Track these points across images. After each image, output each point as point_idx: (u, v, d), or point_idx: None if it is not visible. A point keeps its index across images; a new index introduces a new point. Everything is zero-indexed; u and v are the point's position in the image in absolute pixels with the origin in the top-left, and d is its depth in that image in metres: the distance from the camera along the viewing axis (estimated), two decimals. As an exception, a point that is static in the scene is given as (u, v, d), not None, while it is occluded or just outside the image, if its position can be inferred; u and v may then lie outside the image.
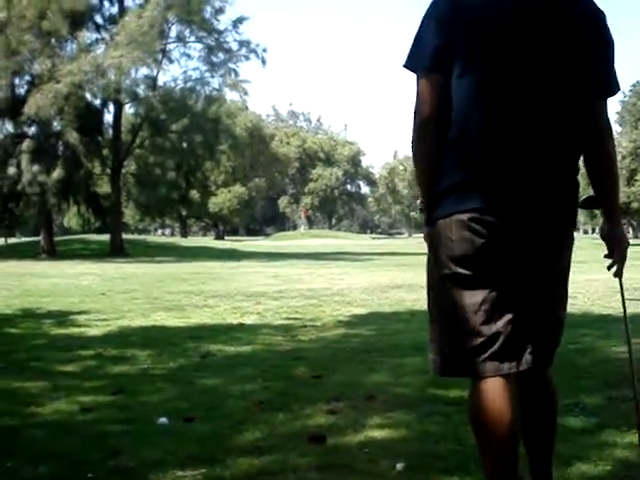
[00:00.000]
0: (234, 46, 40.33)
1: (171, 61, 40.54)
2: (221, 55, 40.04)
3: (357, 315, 9.12)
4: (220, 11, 39.34)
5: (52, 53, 34.66)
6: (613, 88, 2.31)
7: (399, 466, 3.05)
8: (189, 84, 41.06)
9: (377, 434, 3.58)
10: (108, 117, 40.01)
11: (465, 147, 2.19)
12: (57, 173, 34.32)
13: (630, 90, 61.17)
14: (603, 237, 2.41)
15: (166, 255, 34.36)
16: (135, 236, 55.31)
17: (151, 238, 57.64)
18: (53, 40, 34.97)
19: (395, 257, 29.63)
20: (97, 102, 38.94)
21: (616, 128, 54.17)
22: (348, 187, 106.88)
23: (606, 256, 2.42)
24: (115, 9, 38.77)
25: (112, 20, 37.89)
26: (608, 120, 2.31)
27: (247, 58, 40.55)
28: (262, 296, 11.90)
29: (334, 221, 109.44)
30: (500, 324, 2.19)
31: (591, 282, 13.04)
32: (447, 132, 2.22)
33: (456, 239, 2.18)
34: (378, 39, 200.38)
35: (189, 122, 39.41)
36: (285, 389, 4.65)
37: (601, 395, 4.24)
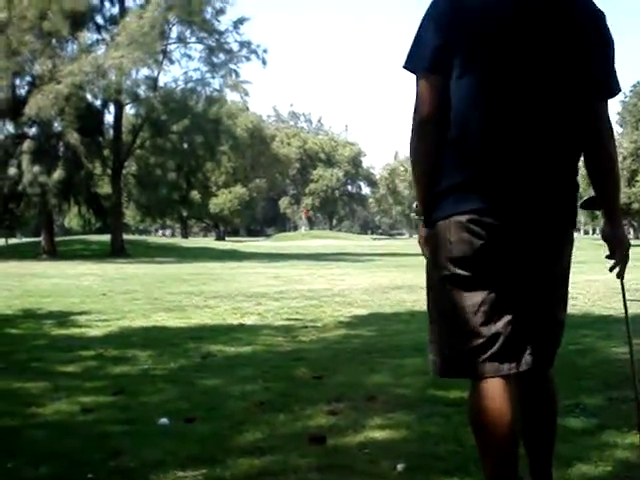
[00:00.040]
0: (235, 47, 40.42)
1: (172, 62, 40.63)
2: (222, 56, 40.09)
3: (358, 316, 9.12)
4: (221, 12, 39.40)
5: (53, 54, 34.69)
6: (613, 89, 2.31)
7: (399, 467, 3.05)
8: (190, 85, 41.12)
9: (377, 435, 3.58)
10: (109, 118, 40.14)
11: (464, 148, 2.19)
12: (58, 174, 34.34)
13: (631, 91, 61.18)
14: (604, 238, 2.41)
15: (167, 256, 34.36)
16: (136, 237, 55.29)
17: (152, 239, 57.66)
18: (54, 41, 34.99)
19: (396, 258, 29.62)
20: (98, 103, 39.02)
21: (617, 129, 54.11)
22: (349, 188, 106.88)
23: (608, 257, 2.42)
24: (116, 10, 38.85)
25: (113, 21, 37.92)
26: (609, 121, 2.31)
27: (248, 59, 40.63)
28: (263, 297, 11.90)
29: (335, 222, 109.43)
30: (500, 325, 2.19)
31: (592, 283, 13.03)
32: (446, 133, 2.22)
33: (455, 240, 2.18)
34: (378, 39, 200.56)
35: (190, 123, 39.42)
36: (286, 390, 4.65)
37: (602, 396, 4.24)
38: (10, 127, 37.37)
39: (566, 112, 2.20)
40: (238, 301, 11.19)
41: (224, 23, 40.46)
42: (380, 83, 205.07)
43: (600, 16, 2.25)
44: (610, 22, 2.26)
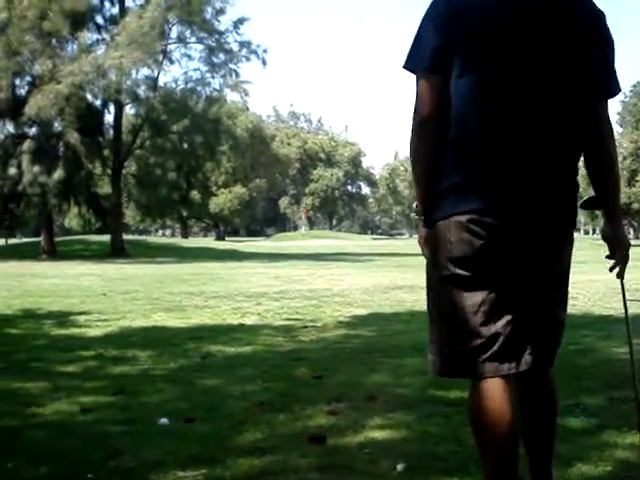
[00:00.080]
0: (235, 47, 40.44)
1: (172, 62, 40.64)
2: (222, 56, 40.10)
3: (358, 316, 9.12)
4: (221, 12, 39.42)
5: (53, 54, 34.69)
6: (613, 89, 2.31)
7: (399, 467, 3.05)
8: (190, 85, 41.14)
9: (377, 435, 3.58)
10: (109, 118, 40.15)
11: (464, 147, 2.19)
12: (58, 174, 34.35)
13: (631, 91, 61.22)
14: (604, 238, 2.41)
15: (167, 256, 34.36)
16: (136, 237, 55.28)
17: (152, 239, 57.67)
18: (54, 41, 35.00)
19: (396, 258, 29.62)
20: (98, 103, 39.03)
21: (617, 129, 54.08)
22: (349, 188, 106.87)
23: (608, 257, 2.41)
24: (116, 10, 38.86)
25: (113, 21, 37.93)
26: (609, 121, 2.30)
27: (248, 59, 40.66)
28: (263, 297, 11.90)
29: (335, 222, 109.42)
30: (499, 325, 2.19)
31: (592, 283, 13.03)
32: (447, 132, 2.22)
33: (455, 240, 2.18)
34: (378, 40, 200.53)
35: (190, 123, 39.43)
36: (286, 390, 4.65)
37: (602, 396, 4.24)
38: (10, 127, 37.46)
39: (566, 112, 2.20)
40: (238, 301, 11.19)
41: (224, 23, 40.57)
42: (380, 83, 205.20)
43: (600, 16, 2.25)
44: (610, 22, 2.26)
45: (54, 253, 35.75)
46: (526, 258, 2.21)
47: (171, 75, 75.29)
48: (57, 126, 36.32)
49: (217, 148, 43.63)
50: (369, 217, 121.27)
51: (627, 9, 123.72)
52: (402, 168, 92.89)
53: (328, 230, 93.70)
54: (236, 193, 69.95)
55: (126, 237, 42.80)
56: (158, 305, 10.66)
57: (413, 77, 2.24)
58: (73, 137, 34.75)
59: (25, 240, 51.30)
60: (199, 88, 41.07)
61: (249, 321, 8.68)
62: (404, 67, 2.26)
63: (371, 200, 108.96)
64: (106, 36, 37.67)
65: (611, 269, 2.43)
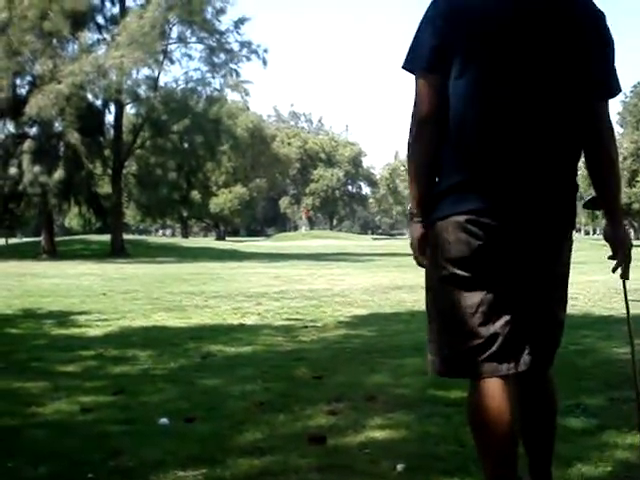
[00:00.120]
0: (235, 47, 40.44)
1: (172, 62, 40.63)
2: (222, 56, 40.09)
3: (358, 316, 9.12)
4: (221, 12, 39.41)
5: (53, 53, 34.70)
6: (613, 89, 2.30)
7: (399, 467, 3.05)
8: (190, 85, 41.13)
9: (378, 435, 3.58)
10: (109, 118, 40.14)
11: (463, 148, 2.19)
12: (58, 174, 34.35)
13: (631, 91, 61.18)
14: (606, 239, 2.41)
15: (167, 256, 34.36)
16: (136, 237, 55.28)
17: (152, 239, 57.65)
18: (54, 40, 34.99)
19: (396, 258, 29.60)
20: (98, 103, 39.03)
21: (617, 129, 54.14)
22: (349, 188, 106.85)
23: (610, 257, 2.41)
24: (116, 9, 38.85)
25: (113, 20, 37.92)
26: (609, 121, 2.30)
27: (248, 59, 40.67)
28: (263, 297, 11.90)
29: (335, 222, 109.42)
30: (498, 325, 2.19)
31: (592, 283, 13.04)
32: (445, 132, 2.22)
33: (453, 241, 2.18)
34: (379, 40, 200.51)
35: (190, 123, 39.43)
36: (286, 390, 4.65)
37: (602, 396, 4.24)
38: (11, 127, 37.45)
39: (566, 112, 2.20)
40: (238, 301, 11.19)
41: (225, 23, 40.56)
42: (380, 83, 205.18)
43: (600, 16, 2.25)
44: (610, 22, 2.26)
45: (54, 253, 35.75)
46: (525, 258, 2.21)
47: (172, 75, 75.40)
48: (58, 126, 36.32)
49: (217, 148, 43.63)
50: (369, 217, 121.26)
51: (627, 9, 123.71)
52: (402, 168, 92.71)
53: (328, 230, 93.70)
54: (236, 193, 69.94)
55: (126, 237, 42.79)
56: (158, 305, 10.66)
57: (413, 77, 2.24)
58: (74, 137, 34.75)
59: (25, 240, 51.30)
60: (200, 88, 41.11)
61: (249, 321, 8.68)
62: (403, 67, 2.26)
63: (371, 200, 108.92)
64: (107, 36, 37.70)
65: (614, 270, 2.43)
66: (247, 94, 42.98)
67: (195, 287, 14.35)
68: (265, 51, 40.97)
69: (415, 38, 2.24)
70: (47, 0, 32.89)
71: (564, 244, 2.30)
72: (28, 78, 36.75)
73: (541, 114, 2.16)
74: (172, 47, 40.07)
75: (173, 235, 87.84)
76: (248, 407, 4.18)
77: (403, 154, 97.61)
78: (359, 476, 3.01)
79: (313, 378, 5.01)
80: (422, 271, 2.34)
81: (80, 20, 34.98)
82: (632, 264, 2.41)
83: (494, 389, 2.17)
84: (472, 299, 2.19)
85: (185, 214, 62.80)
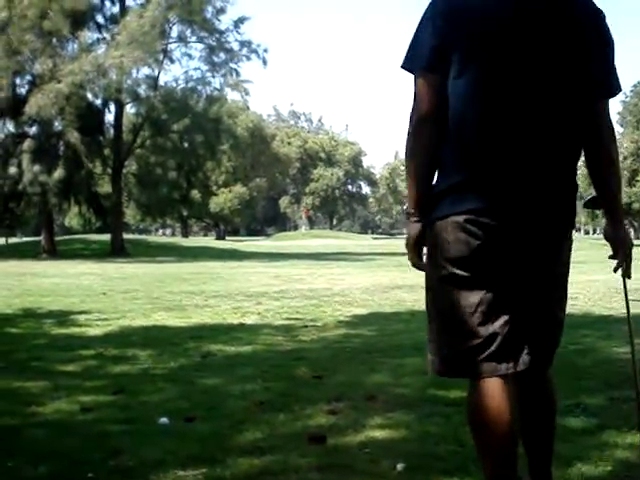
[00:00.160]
0: (235, 46, 40.42)
1: (172, 61, 40.62)
2: (222, 55, 40.07)
3: (358, 315, 9.12)
4: (221, 11, 39.39)
5: (53, 53, 34.68)
6: (614, 88, 2.30)
7: (399, 466, 3.05)
8: (190, 84, 41.11)
9: (378, 434, 3.58)
10: (109, 117, 40.13)
11: (463, 148, 2.18)
12: (58, 173, 34.35)
13: (631, 91, 61.10)
14: (607, 238, 2.41)
15: (167, 255, 34.36)
16: (136, 236, 55.30)
17: (152, 238, 57.65)
18: (54, 40, 34.98)
19: (396, 257, 29.55)
20: (98, 102, 39.00)
21: (617, 129, 54.00)
22: (349, 187, 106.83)
23: (611, 257, 2.41)
24: (116, 9, 38.83)
25: (113, 20, 37.91)
26: (610, 121, 2.30)
27: (248, 58, 40.63)
28: (263, 296, 11.90)
29: (335, 221, 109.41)
30: (497, 325, 2.19)
31: (592, 283, 13.04)
32: (444, 132, 2.22)
33: (452, 240, 2.18)
34: (379, 39, 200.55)
35: (190, 122, 39.41)
36: (286, 389, 4.65)
37: (602, 396, 4.24)
38: (10, 126, 37.42)
39: (565, 112, 2.19)
40: (238, 300, 11.19)
41: (224, 22, 40.52)
42: (381, 83, 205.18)
43: (600, 16, 2.25)
44: (610, 22, 2.26)
45: (54, 252, 35.75)
46: (524, 258, 2.21)
47: (172, 74, 75.17)
48: (57, 125, 36.29)
49: (217, 147, 43.62)
50: (369, 217, 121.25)
51: (627, 9, 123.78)
52: (402, 168, 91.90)
53: (328, 230, 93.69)
54: (236, 192, 69.93)
55: (126, 236, 42.79)
56: (158, 304, 10.66)
57: (412, 77, 2.24)
58: (73, 136, 34.74)
59: (25, 239, 51.29)
60: (199, 87, 41.08)
61: (249, 320, 8.68)
62: (402, 67, 2.26)
63: (371, 200, 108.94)
64: (107, 35, 37.69)
65: (615, 269, 2.43)
66: (247, 93, 43.01)
67: (195, 286, 14.35)
68: (265, 51, 41.01)
69: (414, 37, 2.24)
70: (47, -1, 32.91)
71: (564, 244, 2.30)
72: (28, 77, 36.76)
73: (541, 114, 2.16)
74: (172, 46, 40.13)
75: (173, 235, 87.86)
76: (248, 407, 4.18)
77: (403, 154, 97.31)
78: (359, 476, 3.01)
79: (313, 378, 5.01)
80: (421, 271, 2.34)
81: (80, 19, 34.97)
82: (633, 263, 2.41)
83: (493, 389, 2.17)
84: (471, 299, 2.19)
85: (185, 213, 62.83)
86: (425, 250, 2.31)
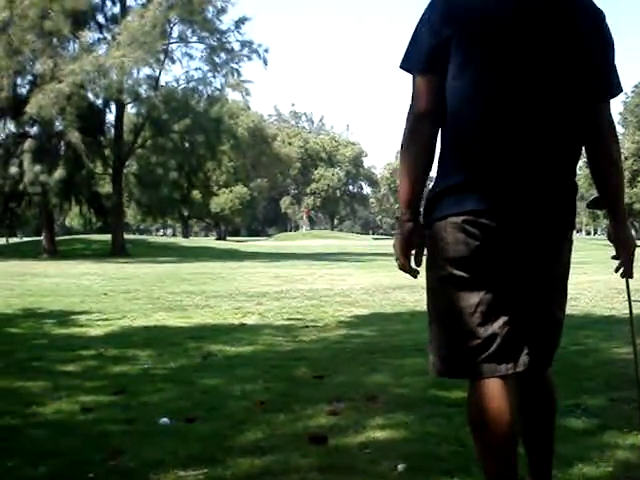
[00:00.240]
0: (236, 46, 40.36)
1: (173, 61, 40.56)
2: (223, 55, 40.04)
3: (359, 316, 9.12)
4: (222, 11, 39.36)
5: (54, 53, 34.67)
6: (614, 89, 2.30)
7: (400, 467, 3.05)
8: (191, 84, 41.10)
9: (378, 435, 3.57)
10: (110, 117, 40.10)
11: (462, 148, 2.18)
12: (59, 173, 34.33)
13: (632, 91, 61.11)
14: (610, 239, 2.41)
15: (167, 255, 34.38)
16: (136, 236, 55.33)
17: (152, 238, 57.66)
18: (55, 40, 34.97)
19: (397, 258, 29.53)
20: (99, 102, 38.98)
21: (619, 129, 53.88)
22: (350, 188, 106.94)
23: (614, 257, 2.41)
24: (117, 9, 38.78)
25: (114, 20, 37.90)
26: (611, 121, 2.30)
27: (249, 58, 40.58)
28: (263, 296, 11.90)
29: (336, 222, 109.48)
30: (496, 326, 2.19)
31: (593, 283, 13.03)
32: (443, 132, 2.22)
33: (451, 241, 2.18)
34: (379, 39, 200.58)
35: (191, 122, 39.39)
36: (286, 389, 4.64)
37: (603, 396, 4.23)
38: (11, 126, 37.41)
39: (565, 112, 2.19)
40: (239, 301, 11.19)
41: (225, 23, 40.47)
42: (382, 83, 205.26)
43: (600, 16, 2.24)
44: (610, 22, 2.26)
45: (55, 252, 35.77)
46: (524, 259, 2.20)
47: (172, 74, 75.23)
48: (58, 125, 36.30)
49: (218, 147, 43.60)
50: (370, 217, 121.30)
51: (627, 9, 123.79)
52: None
53: (329, 230, 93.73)
54: (237, 193, 69.95)
55: (127, 236, 42.80)
56: (159, 304, 10.66)
57: (411, 77, 2.24)
58: (74, 136, 34.73)
59: (26, 239, 51.33)
60: (200, 87, 41.06)
61: (250, 321, 8.67)
62: (400, 67, 2.25)
63: (372, 200, 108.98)
64: (107, 35, 37.71)
65: (617, 270, 2.42)
66: (248, 94, 42.94)
67: (196, 287, 14.35)
68: (266, 51, 40.95)
69: (413, 37, 2.23)
70: (48, -1, 32.92)
71: (564, 244, 2.29)
72: (29, 77, 36.77)
73: (541, 114, 2.15)
74: (173, 46, 40.07)
75: (174, 235, 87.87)
76: (249, 407, 4.18)
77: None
78: (360, 476, 3.01)
79: (314, 378, 5.01)
80: (422, 271, 2.33)
81: (81, 19, 34.97)
82: (635, 264, 2.40)
83: (493, 389, 2.16)
84: (471, 299, 2.18)
85: (186, 214, 62.87)
86: (414, 252, 2.29)
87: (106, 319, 8.77)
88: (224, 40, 39.90)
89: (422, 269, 2.32)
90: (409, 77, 2.24)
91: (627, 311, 2.62)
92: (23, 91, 36.40)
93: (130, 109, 40.78)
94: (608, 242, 2.48)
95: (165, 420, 3.86)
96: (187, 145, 42.35)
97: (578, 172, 2.31)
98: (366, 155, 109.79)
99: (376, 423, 3.76)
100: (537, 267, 2.23)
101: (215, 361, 5.89)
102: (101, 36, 38.23)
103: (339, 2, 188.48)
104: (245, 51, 40.31)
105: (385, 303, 10.71)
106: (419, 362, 5.15)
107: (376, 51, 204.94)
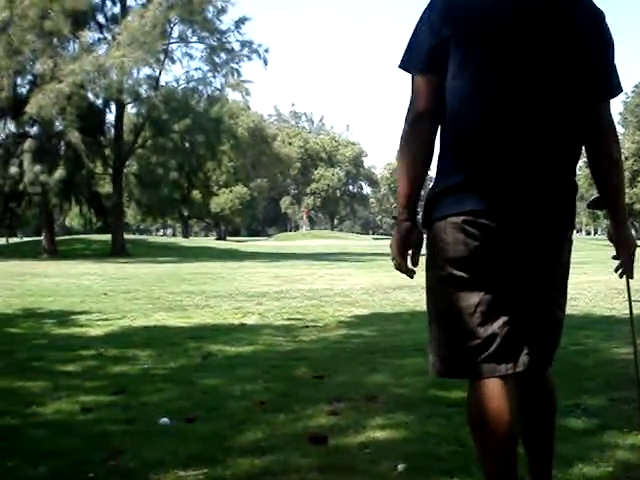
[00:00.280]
0: (236, 46, 40.37)
1: (173, 61, 40.57)
2: (223, 55, 40.04)
3: (359, 316, 9.12)
4: (222, 11, 39.36)
5: (54, 53, 34.68)
6: (614, 89, 2.30)
7: (400, 467, 3.05)
8: (191, 84, 41.11)
9: (378, 435, 3.57)
10: (110, 117, 40.11)
11: (462, 148, 2.18)
12: (59, 173, 34.35)
13: (633, 91, 61.09)
14: (610, 239, 2.41)
15: (167, 255, 34.38)
16: (137, 236, 55.34)
17: (152, 238, 57.66)
18: (55, 40, 34.99)
19: (397, 258, 29.52)
20: (99, 102, 38.99)
21: (619, 129, 53.87)
22: (350, 188, 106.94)
23: (614, 257, 2.41)
24: (117, 9, 38.79)
25: (114, 20, 37.91)
26: (611, 121, 2.30)
27: (249, 58, 40.59)
28: (263, 296, 11.90)
29: (336, 222, 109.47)
30: (496, 326, 2.18)
31: (593, 283, 13.03)
32: (443, 132, 2.22)
33: (451, 241, 2.17)
34: (379, 39, 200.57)
35: (191, 122, 39.39)
36: (286, 389, 4.64)
37: (603, 396, 4.23)
38: (11, 126, 37.43)
39: (565, 113, 2.19)
40: (239, 301, 11.19)
41: (225, 23, 40.49)
42: (382, 83, 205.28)
43: (600, 16, 2.24)
44: (610, 22, 2.26)
45: (55, 252, 35.77)
46: (523, 259, 2.20)
47: (172, 74, 75.16)
48: (58, 125, 36.32)
49: (218, 147, 43.60)
50: (370, 217, 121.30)
51: (627, 9, 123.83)
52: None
53: (329, 230, 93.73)
54: (237, 193, 69.95)
55: (127, 236, 42.81)
56: (159, 304, 10.66)
57: (411, 77, 2.23)
58: (74, 136, 34.73)
59: (26, 239, 51.33)
60: (200, 87, 41.06)
61: (250, 321, 8.67)
62: (399, 67, 2.25)
63: (372, 200, 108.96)
64: (107, 35, 37.72)
65: (616, 269, 2.42)
66: (248, 94, 42.94)
67: (196, 287, 14.35)
68: (266, 51, 40.96)
69: (412, 37, 2.23)
70: (48, -1, 32.92)
71: (563, 244, 2.29)
72: (29, 77, 36.78)
73: (541, 114, 2.15)
74: (173, 46, 40.08)
75: (174, 235, 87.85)
76: (249, 407, 4.18)
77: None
78: (360, 476, 3.01)
79: (314, 378, 5.01)
80: (423, 271, 2.33)
81: (81, 19, 34.98)
82: (635, 264, 2.40)
83: (493, 389, 2.16)
84: (470, 300, 2.18)
85: (186, 214, 62.87)
86: (411, 252, 2.29)
87: (106, 319, 8.77)
88: (224, 40, 39.92)
89: (420, 269, 2.32)
90: (409, 77, 2.24)
91: (627, 311, 2.62)
92: (23, 91, 36.42)
93: (130, 109, 40.83)
94: (608, 242, 2.48)
95: (165, 420, 3.86)
96: (187, 145, 42.35)
97: (578, 172, 2.31)
98: (366, 155, 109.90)
99: (376, 423, 3.76)
100: (537, 267, 2.23)
101: (215, 361, 5.89)
102: (101, 36, 38.32)
103: (339, 2, 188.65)
104: (245, 51, 40.35)
105: (385, 303, 10.71)
106: (419, 362, 5.15)
107: (376, 51, 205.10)
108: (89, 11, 36.07)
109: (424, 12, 2.22)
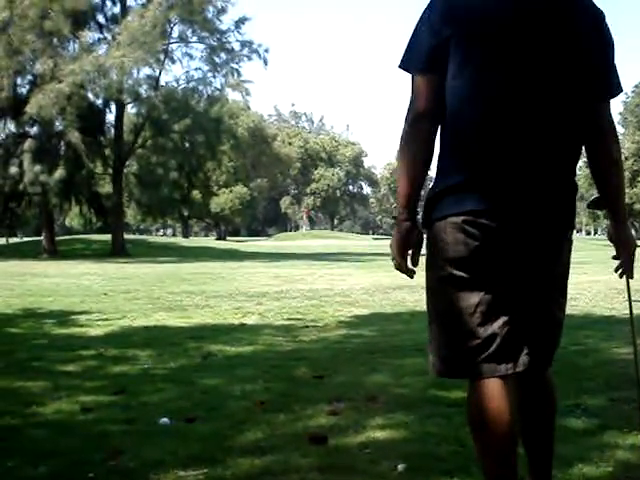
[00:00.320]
0: (236, 46, 40.37)
1: (173, 61, 40.57)
2: (223, 55, 40.04)
3: (359, 316, 9.12)
4: (222, 11, 39.36)
5: (54, 53, 34.68)
6: (614, 89, 2.30)
7: (400, 467, 3.05)
8: (191, 84, 41.10)
9: (378, 435, 3.57)
10: (110, 117, 40.11)
11: (462, 148, 2.18)
12: (59, 173, 34.35)
13: (633, 91, 61.07)
14: (610, 239, 2.41)
15: (167, 255, 34.38)
16: (137, 236, 55.33)
17: (152, 238, 57.66)
18: (55, 40, 34.98)
19: (397, 258, 29.49)
20: (99, 102, 38.99)
21: (619, 129, 53.88)
22: (350, 188, 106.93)
23: (614, 257, 2.41)
24: (117, 9, 38.79)
25: (114, 20, 37.91)
26: (611, 121, 2.30)
27: (249, 58, 40.59)
28: (263, 296, 11.89)
29: (336, 222, 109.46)
30: (496, 326, 2.18)
31: (593, 283, 13.03)
32: (443, 132, 2.22)
33: (451, 241, 2.17)
34: (379, 40, 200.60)
35: (191, 122, 39.39)
36: (286, 389, 4.64)
37: (603, 396, 4.23)
38: (11, 126, 37.43)
39: (566, 112, 2.19)
40: (239, 301, 11.19)
41: (225, 23, 40.49)
42: (382, 83, 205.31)
43: (600, 16, 2.24)
44: (610, 22, 2.26)
45: (55, 252, 35.77)
46: (523, 259, 2.20)
47: (172, 74, 75.11)
48: (58, 125, 36.31)
49: (218, 147, 43.60)
50: (370, 217, 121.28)
51: (627, 9, 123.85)
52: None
53: (329, 230, 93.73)
54: (237, 193, 69.94)
55: (127, 236, 42.81)
56: (159, 304, 10.66)
57: (410, 77, 2.23)
58: (74, 136, 34.73)
59: (26, 239, 51.33)
60: (200, 87, 41.06)
61: (250, 321, 8.67)
62: (399, 67, 2.25)
63: (372, 200, 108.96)
64: (107, 35, 37.72)
65: (616, 269, 2.42)
66: (248, 94, 42.93)
67: (196, 287, 14.35)
68: (266, 51, 40.96)
69: (412, 37, 2.23)
70: (48, -1, 32.92)
71: (563, 245, 2.29)
72: (29, 77, 36.78)
73: (541, 114, 2.15)
74: (173, 46, 40.08)
75: (174, 235, 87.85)
76: (249, 407, 4.18)
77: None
78: (360, 476, 3.01)
79: (314, 378, 5.01)
80: (422, 271, 2.33)
81: (81, 19, 34.98)
82: (635, 264, 2.40)
83: (493, 389, 2.16)
84: (470, 300, 2.18)
85: (186, 214, 62.86)
86: (411, 252, 2.29)
87: (106, 319, 8.77)
88: (224, 40, 39.92)
89: (420, 269, 2.32)
90: (409, 77, 2.24)
91: (627, 311, 2.62)
92: (23, 91, 36.42)
93: (130, 109, 40.83)
94: (608, 242, 2.48)
95: (165, 420, 3.86)
96: (187, 145, 42.35)
97: (578, 172, 2.31)
98: (366, 155, 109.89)
99: (376, 423, 3.76)
100: (537, 267, 2.23)
101: (215, 361, 5.89)
102: (101, 36, 38.31)
103: (339, 2, 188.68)
104: (245, 51, 40.35)
105: (385, 303, 10.71)
106: (419, 362, 5.15)
107: (376, 51, 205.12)
108: (89, 11, 36.07)
109: (424, 12, 2.22)
